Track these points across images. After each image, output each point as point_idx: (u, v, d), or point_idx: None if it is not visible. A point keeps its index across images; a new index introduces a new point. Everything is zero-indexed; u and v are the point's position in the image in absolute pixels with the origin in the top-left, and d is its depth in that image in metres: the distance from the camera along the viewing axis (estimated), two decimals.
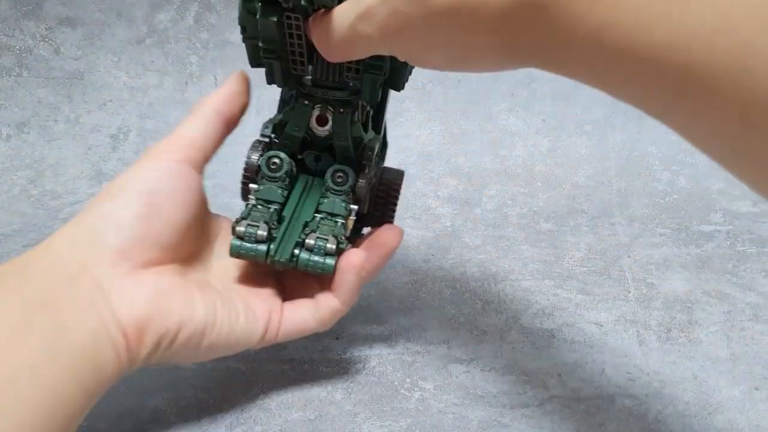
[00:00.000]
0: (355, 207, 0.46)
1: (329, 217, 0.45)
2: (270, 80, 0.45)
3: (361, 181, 0.45)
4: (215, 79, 1.05)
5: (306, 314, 0.43)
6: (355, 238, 0.49)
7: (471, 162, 0.97)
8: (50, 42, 1.01)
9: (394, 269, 0.64)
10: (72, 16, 1.01)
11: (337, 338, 0.51)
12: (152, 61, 1.03)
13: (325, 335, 0.52)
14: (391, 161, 0.55)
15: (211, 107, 0.44)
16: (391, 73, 0.44)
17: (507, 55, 0.27)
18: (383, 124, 0.52)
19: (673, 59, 0.20)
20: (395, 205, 0.52)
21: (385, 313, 0.56)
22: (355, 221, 0.48)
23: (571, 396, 0.45)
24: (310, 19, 0.37)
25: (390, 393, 0.45)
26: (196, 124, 0.43)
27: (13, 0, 0.99)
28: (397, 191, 0.52)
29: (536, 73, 1.06)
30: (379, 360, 0.49)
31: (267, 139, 0.47)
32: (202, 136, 0.43)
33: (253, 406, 0.43)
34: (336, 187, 0.45)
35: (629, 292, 0.60)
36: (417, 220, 0.79)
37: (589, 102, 1.04)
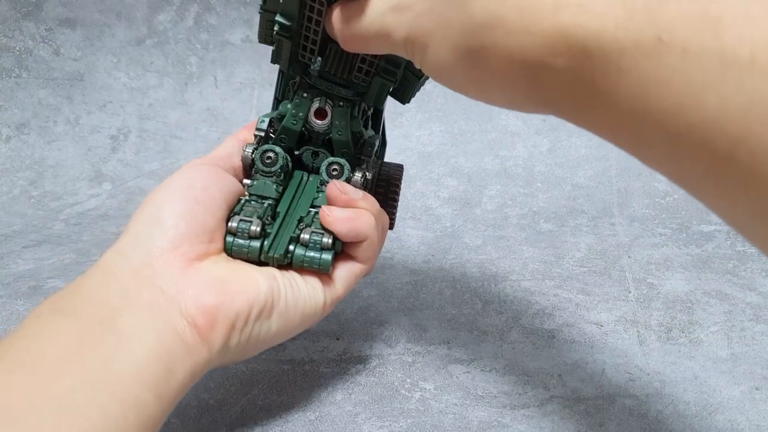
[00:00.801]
0: None
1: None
2: (275, 59, 0.44)
3: (357, 175, 0.43)
4: (215, 79, 1.05)
5: (348, 266, 0.42)
6: None
7: (471, 162, 0.97)
8: (50, 43, 1.01)
9: (395, 270, 0.64)
10: (72, 17, 1.01)
11: (338, 338, 0.51)
12: (152, 62, 1.03)
13: (325, 336, 0.52)
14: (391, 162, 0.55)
15: (236, 137, 0.46)
16: (400, 84, 0.43)
17: (530, 98, 0.25)
18: (382, 123, 0.51)
19: (725, 129, 0.19)
20: (396, 200, 0.50)
21: (385, 314, 0.56)
22: None
23: (572, 396, 0.45)
24: (339, 1, 0.36)
25: (390, 393, 0.45)
26: (223, 147, 0.45)
27: (13, 1, 1.00)
28: (397, 185, 0.50)
29: None
30: (380, 360, 0.49)
31: (262, 133, 0.45)
32: (228, 155, 0.44)
33: (253, 406, 0.43)
34: (331, 180, 0.43)
35: (629, 292, 0.60)
36: (417, 221, 0.79)
37: None
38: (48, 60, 1.01)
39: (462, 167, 0.96)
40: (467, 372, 0.47)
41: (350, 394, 0.45)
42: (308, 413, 0.43)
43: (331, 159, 0.44)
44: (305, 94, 0.43)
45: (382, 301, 0.58)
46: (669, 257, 0.68)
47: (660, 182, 0.92)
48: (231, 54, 1.02)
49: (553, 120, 1.03)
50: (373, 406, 0.43)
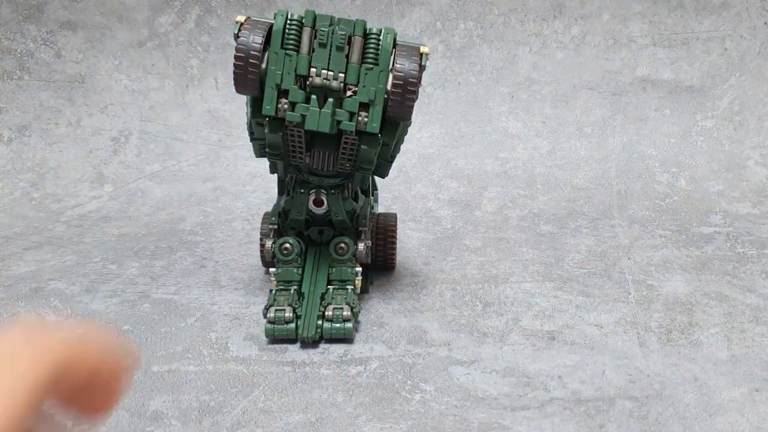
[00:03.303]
0: (359, 269, 0.55)
1: (341, 284, 0.54)
2: (273, 170, 0.54)
3: (360, 246, 0.55)
4: (216, 82, 1.05)
5: None
6: (367, 284, 0.60)
7: (471, 164, 0.97)
8: (51, 45, 1.01)
9: (395, 272, 0.65)
10: (73, 19, 1.01)
11: (338, 340, 0.52)
12: (153, 65, 1.03)
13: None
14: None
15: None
16: (377, 167, 0.53)
17: None
18: (369, 180, 0.61)
19: None
20: (394, 246, 0.62)
21: (385, 316, 0.56)
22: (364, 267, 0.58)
23: (572, 398, 0.45)
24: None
25: (391, 395, 0.45)
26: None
27: (15, 4, 1.00)
28: (394, 234, 0.62)
29: (535, 76, 1.06)
30: (380, 362, 0.49)
31: (276, 226, 0.56)
32: None
33: (254, 408, 0.44)
34: (340, 258, 0.54)
35: (629, 293, 0.60)
36: (417, 223, 0.79)
37: (589, 104, 1.05)
38: (49, 62, 1.01)
39: (462, 169, 0.96)
40: (467, 374, 0.48)
41: (351, 396, 0.45)
42: (309, 415, 0.43)
43: (337, 239, 0.54)
44: (302, 190, 0.53)
45: (382, 303, 0.58)
46: (669, 259, 0.68)
47: (660, 184, 0.92)
48: (232, 56, 1.02)
49: (553, 122, 1.04)
50: (374, 408, 0.44)
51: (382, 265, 0.63)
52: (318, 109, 0.45)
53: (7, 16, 1.00)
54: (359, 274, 0.55)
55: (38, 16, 1.01)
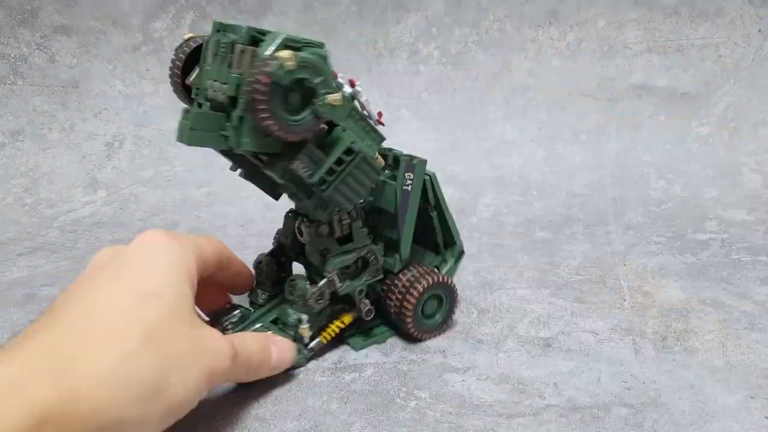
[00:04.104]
0: (305, 317, 0.48)
1: (283, 328, 0.49)
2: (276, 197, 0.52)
3: (310, 289, 0.48)
4: None
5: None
6: (364, 342, 0.52)
7: (466, 170, 0.97)
8: (45, 50, 1.01)
9: None
10: (67, 24, 1.01)
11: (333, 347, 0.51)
12: (147, 69, 1.03)
13: None
14: None
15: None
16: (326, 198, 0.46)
17: None
18: (438, 236, 0.55)
19: None
20: (408, 313, 0.51)
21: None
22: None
23: (567, 405, 0.45)
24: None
25: (386, 402, 0.45)
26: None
27: (8, 8, 0.99)
28: (410, 303, 0.51)
29: (531, 82, 1.07)
30: (375, 369, 0.49)
31: (277, 243, 0.54)
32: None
33: (248, 416, 0.43)
34: (289, 296, 0.49)
35: (625, 300, 0.60)
36: None
37: (584, 110, 1.05)
38: (43, 67, 1.01)
39: (458, 175, 0.96)
40: (463, 380, 0.47)
41: (345, 403, 0.45)
42: (303, 422, 0.42)
43: (293, 275, 0.50)
44: (290, 215, 0.51)
45: (378, 310, 0.58)
46: (664, 265, 0.68)
47: (655, 191, 0.92)
48: None
49: (548, 128, 1.04)
50: (369, 415, 0.43)
51: (399, 326, 0.53)
52: (184, 121, 0.42)
53: (0, 20, 1.00)
54: (303, 322, 0.48)
55: (32, 21, 1.01)
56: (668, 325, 0.56)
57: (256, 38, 0.41)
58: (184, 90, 0.45)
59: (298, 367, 0.48)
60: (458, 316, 0.57)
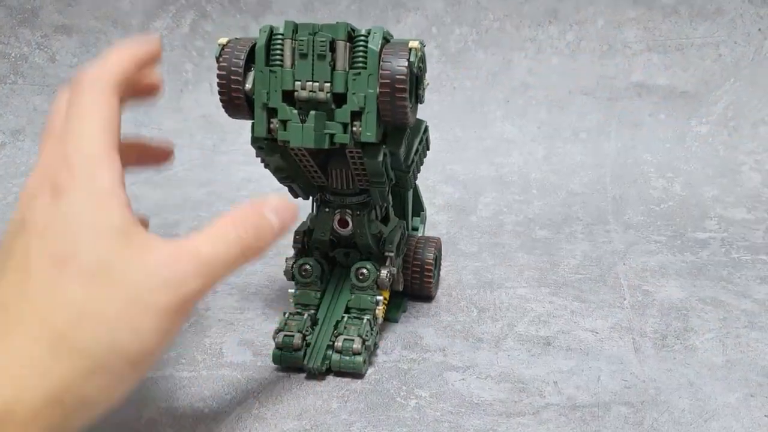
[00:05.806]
0: (380, 297, 0.51)
1: (358, 313, 0.50)
2: (295, 196, 0.52)
3: (383, 273, 0.50)
4: (211, 86, 1.05)
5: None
6: (398, 313, 0.56)
7: (466, 169, 0.97)
8: (46, 50, 1.01)
9: None
10: (68, 23, 1.01)
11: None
12: None
13: None
14: None
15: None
16: (398, 179, 0.50)
17: None
18: (408, 207, 0.59)
19: None
20: (431, 275, 0.57)
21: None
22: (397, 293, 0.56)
23: (567, 404, 0.45)
24: None
25: (386, 401, 0.45)
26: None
27: (9, 8, 1.00)
28: (431, 262, 0.57)
29: (531, 81, 1.07)
30: (375, 368, 0.49)
31: (300, 245, 0.53)
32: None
33: (248, 415, 0.43)
34: (360, 284, 0.50)
35: (625, 299, 0.60)
36: None
37: (584, 109, 1.05)
38: (43, 66, 1.01)
39: (457, 174, 0.96)
40: (463, 379, 0.47)
41: (345, 403, 0.45)
42: (303, 422, 0.43)
43: (358, 264, 0.51)
44: (327, 209, 0.51)
45: None
46: (664, 264, 0.68)
47: (655, 189, 0.92)
48: None
49: (548, 127, 1.04)
50: (369, 415, 0.43)
51: (418, 294, 0.58)
52: (300, 124, 0.42)
53: (1, 20, 1.00)
54: (380, 303, 0.51)
55: (32, 20, 1.01)
56: (668, 323, 0.56)
57: (350, 35, 0.43)
58: (244, 97, 0.44)
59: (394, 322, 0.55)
60: (458, 314, 0.57)
